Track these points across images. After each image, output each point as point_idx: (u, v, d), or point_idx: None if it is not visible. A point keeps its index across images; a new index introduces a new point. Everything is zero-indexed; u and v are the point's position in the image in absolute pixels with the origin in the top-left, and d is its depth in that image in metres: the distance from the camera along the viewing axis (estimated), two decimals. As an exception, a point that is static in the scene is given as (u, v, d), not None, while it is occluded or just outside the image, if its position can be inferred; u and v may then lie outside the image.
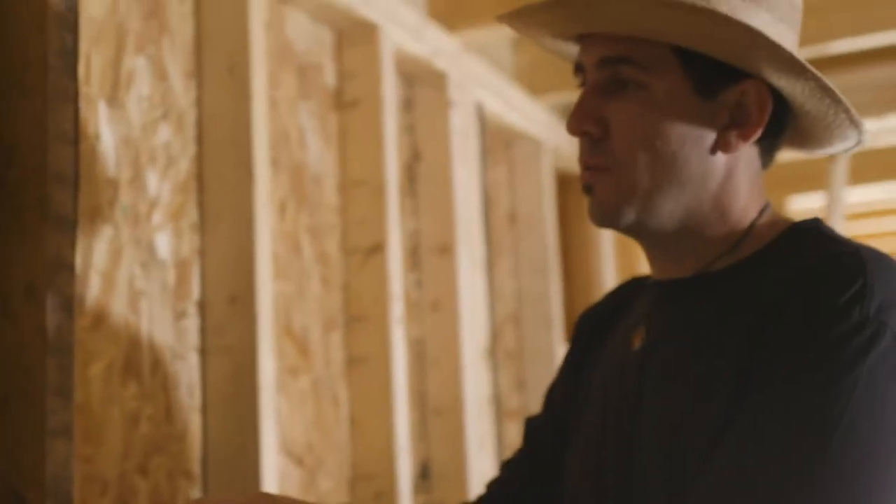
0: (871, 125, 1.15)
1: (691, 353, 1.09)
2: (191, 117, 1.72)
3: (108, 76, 1.55)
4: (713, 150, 1.12)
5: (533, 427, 1.42)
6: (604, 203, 1.14)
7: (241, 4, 1.72)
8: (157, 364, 1.60)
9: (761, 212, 1.16)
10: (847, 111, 1.12)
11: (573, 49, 1.21)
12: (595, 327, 1.35)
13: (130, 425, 1.53)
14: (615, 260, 3.70)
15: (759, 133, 1.12)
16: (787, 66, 1.07)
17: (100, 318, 1.49)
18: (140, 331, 1.57)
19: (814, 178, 3.90)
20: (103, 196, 1.52)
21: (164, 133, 1.66)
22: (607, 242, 3.63)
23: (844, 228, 3.73)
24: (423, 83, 2.49)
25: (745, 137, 1.12)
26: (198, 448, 1.67)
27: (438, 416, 2.41)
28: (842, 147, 1.22)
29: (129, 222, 1.56)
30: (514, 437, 2.82)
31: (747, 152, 1.15)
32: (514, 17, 1.19)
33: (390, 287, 2.10)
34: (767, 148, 1.17)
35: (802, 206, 4.22)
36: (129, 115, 1.58)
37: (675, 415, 1.07)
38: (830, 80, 1.09)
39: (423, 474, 2.38)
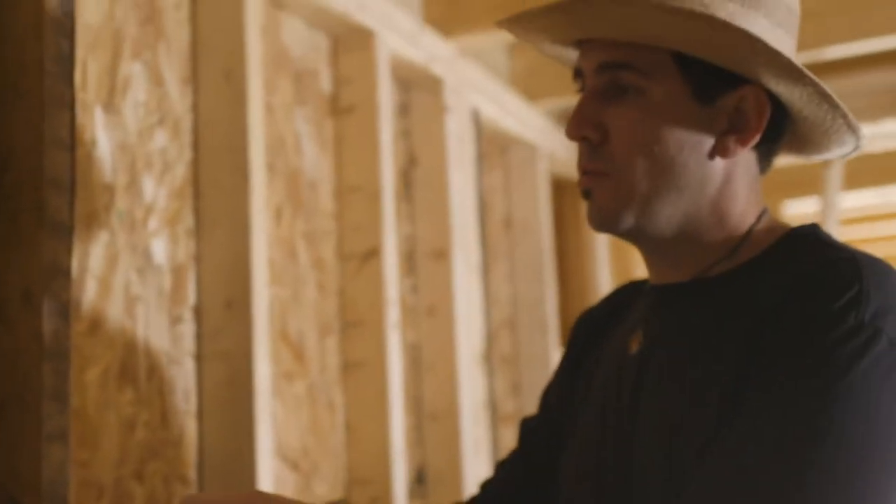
0: (865, 130, 1.15)
1: (689, 357, 1.09)
2: (187, 123, 1.72)
3: (104, 82, 1.55)
4: (712, 156, 1.12)
5: (528, 428, 1.42)
6: (603, 208, 1.15)
7: (238, 11, 1.72)
8: (153, 369, 1.60)
9: (759, 217, 1.16)
10: (845, 117, 1.12)
11: (572, 54, 1.22)
12: (592, 330, 1.36)
13: (126, 430, 1.53)
14: (610, 265, 3.70)
15: (757, 138, 1.12)
16: (785, 71, 1.07)
17: (96, 324, 1.49)
18: (136, 336, 1.57)
19: (808, 183, 3.91)
20: (99, 201, 1.52)
21: (161, 139, 1.66)
22: (602, 247, 3.63)
23: (839, 233, 3.74)
24: (418, 89, 2.49)
25: (743, 143, 1.12)
26: (193, 453, 1.67)
27: (434, 420, 2.41)
28: (839, 152, 1.22)
29: (126, 228, 1.56)
30: (510, 441, 2.82)
31: (745, 158, 1.15)
32: (514, 23, 1.19)
33: (386, 292, 2.10)
34: (765, 153, 1.17)
35: (797, 210, 4.22)
36: (125, 120, 1.58)
37: (673, 416, 1.07)
38: (826, 86, 1.09)
39: (419, 479, 2.38)
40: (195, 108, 1.73)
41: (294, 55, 2.04)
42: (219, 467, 1.66)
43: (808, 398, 0.97)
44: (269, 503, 1.05)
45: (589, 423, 1.22)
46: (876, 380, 0.96)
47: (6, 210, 1.25)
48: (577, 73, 1.18)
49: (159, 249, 1.63)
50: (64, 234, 1.26)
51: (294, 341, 1.95)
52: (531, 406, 2.83)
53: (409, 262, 2.45)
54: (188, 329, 1.68)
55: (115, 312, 1.53)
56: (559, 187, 3.60)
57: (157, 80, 1.66)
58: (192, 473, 1.65)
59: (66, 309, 1.25)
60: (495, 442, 2.79)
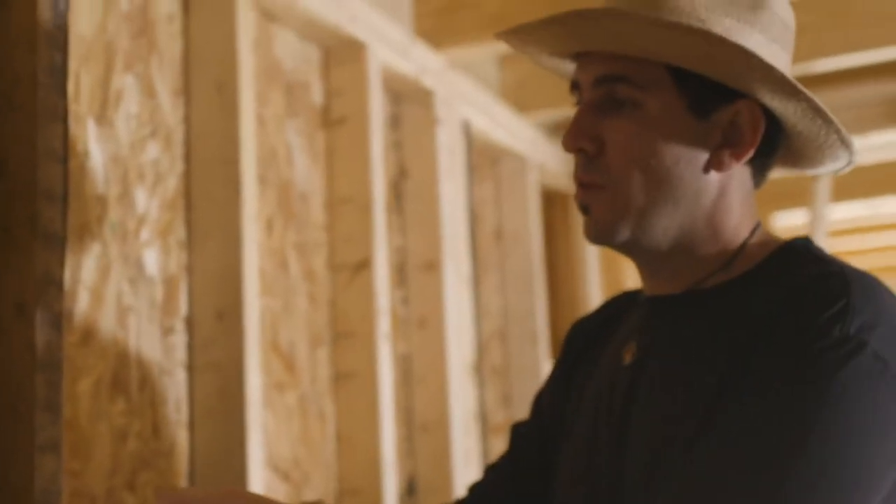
0: (854, 142, 1.17)
1: (682, 368, 1.10)
2: (179, 135, 1.72)
3: (97, 94, 1.55)
4: (706, 169, 1.13)
5: (519, 433, 1.43)
6: (600, 222, 1.15)
7: (229, 23, 1.72)
8: (145, 380, 1.60)
9: (753, 231, 1.17)
10: (838, 132, 1.13)
11: (569, 67, 1.22)
12: (586, 339, 1.36)
13: (118, 441, 1.53)
14: (601, 276, 3.71)
15: (751, 153, 1.13)
16: (780, 86, 1.08)
17: (88, 334, 1.49)
18: (128, 347, 1.57)
19: (797, 195, 3.92)
20: (92, 213, 1.52)
21: (153, 151, 1.66)
22: (593, 259, 3.64)
23: (828, 245, 3.75)
24: (409, 101, 2.50)
25: (738, 157, 1.13)
26: (185, 463, 1.67)
27: (425, 431, 2.42)
28: (833, 167, 1.23)
29: (118, 239, 1.57)
30: (501, 452, 2.82)
31: (740, 172, 1.16)
32: (512, 35, 1.20)
33: (377, 303, 2.10)
34: (760, 167, 1.18)
35: (786, 222, 4.24)
36: (117, 132, 1.58)
37: (666, 427, 1.08)
38: (819, 100, 1.10)
39: (410, 490, 2.39)
40: (187, 120, 1.74)
41: (286, 67, 2.05)
42: (210, 477, 1.66)
43: (786, 404, 0.98)
44: (246, 500, 1.06)
45: (582, 432, 1.23)
46: (855, 390, 0.98)
47: (-1, 221, 1.25)
48: (574, 86, 1.19)
49: (151, 260, 1.63)
50: (57, 245, 1.26)
51: (285, 352, 1.95)
52: (521, 417, 2.84)
53: (400, 273, 2.45)
54: (180, 340, 1.68)
55: (107, 323, 1.53)
56: (549, 199, 3.61)
57: (149, 92, 1.66)
58: (183, 484, 1.65)
59: (58, 320, 1.25)
60: (486, 453, 2.79)
